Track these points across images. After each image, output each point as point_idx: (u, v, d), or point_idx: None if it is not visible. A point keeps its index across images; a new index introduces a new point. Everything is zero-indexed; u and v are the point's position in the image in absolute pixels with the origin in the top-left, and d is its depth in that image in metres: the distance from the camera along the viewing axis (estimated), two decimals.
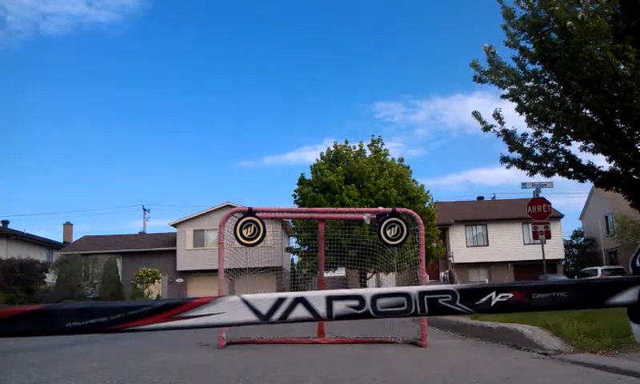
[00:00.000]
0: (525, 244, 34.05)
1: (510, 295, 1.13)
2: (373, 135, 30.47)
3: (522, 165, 11.15)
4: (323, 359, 4.62)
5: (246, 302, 1.05)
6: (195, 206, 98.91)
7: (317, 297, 1.14)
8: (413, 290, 1.17)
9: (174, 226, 33.28)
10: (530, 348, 4.53)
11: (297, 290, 1.12)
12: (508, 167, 11.37)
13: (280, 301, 1.11)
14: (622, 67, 8.39)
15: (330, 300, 1.13)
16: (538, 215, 14.40)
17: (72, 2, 58.70)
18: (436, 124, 66.04)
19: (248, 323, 1.05)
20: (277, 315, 1.11)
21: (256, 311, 1.07)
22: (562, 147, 10.85)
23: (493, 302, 1.12)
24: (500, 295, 1.13)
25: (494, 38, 11.47)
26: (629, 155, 9.94)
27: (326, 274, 6.92)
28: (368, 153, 27.85)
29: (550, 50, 9.48)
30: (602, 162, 18.25)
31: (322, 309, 1.12)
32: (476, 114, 11.42)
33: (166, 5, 62.50)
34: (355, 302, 1.14)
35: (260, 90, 65.23)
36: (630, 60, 8.15)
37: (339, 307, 1.12)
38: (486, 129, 11.28)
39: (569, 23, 8.45)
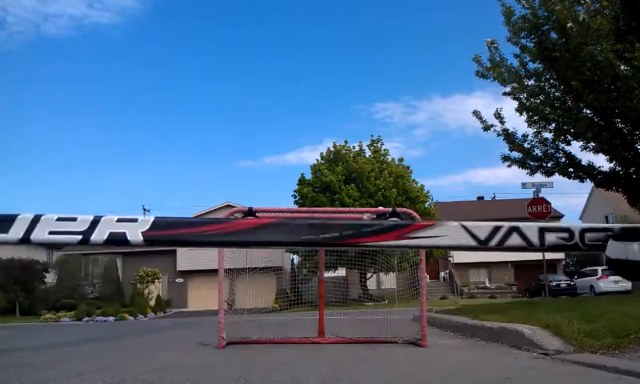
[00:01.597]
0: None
1: None
2: (372, 135, 30.52)
3: (522, 164, 11.15)
4: (323, 359, 4.61)
5: (465, 228, 1.07)
6: (195, 206, 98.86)
7: (530, 227, 1.19)
8: (616, 226, 1.24)
9: None
10: (530, 348, 4.53)
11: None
12: (509, 166, 11.37)
13: (496, 229, 1.16)
14: (622, 67, 8.39)
15: (542, 231, 1.19)
16: (538, 215, 14.40)
17: (73, 4, 58.75)
18: (436, 124, 66.09)
19: (467, 248, 1.06)
20: (494, 242, 1.15)
21: (475, 236, 1.10)
22: (562, 147, 10.86)
23: None
24: None
25: (495, 38, 11.47)
26: (629, 155, 9.94)
27: (325, 274, 6.92)
28: (368, 153, 27.86)
29: (550, 50, 9.48)
30: (602, 162, 18.25)
31: (534, 238, 1.16)
32: (476, 114, 11.42)
33: (166, 6, 62.55)
34: (565, 234, 1.21)
35: (260, 90, 65.29)
36: (636, 59, 8.14)
37: (550, 238, 1.18)
38: (487, 128, 11.27)
39: (569, 24, 8.45)
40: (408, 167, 28.10)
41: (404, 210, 6.78)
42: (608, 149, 9.93)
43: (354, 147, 27.90)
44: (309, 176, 27.41)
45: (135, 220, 0.90)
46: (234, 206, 20.60)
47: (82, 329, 14.69)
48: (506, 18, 10.15)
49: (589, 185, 15.18)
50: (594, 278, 26.08)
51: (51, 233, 0.90)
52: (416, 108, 65.44)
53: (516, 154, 11.23)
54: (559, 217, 35.02)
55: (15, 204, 74.91)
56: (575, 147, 10.83)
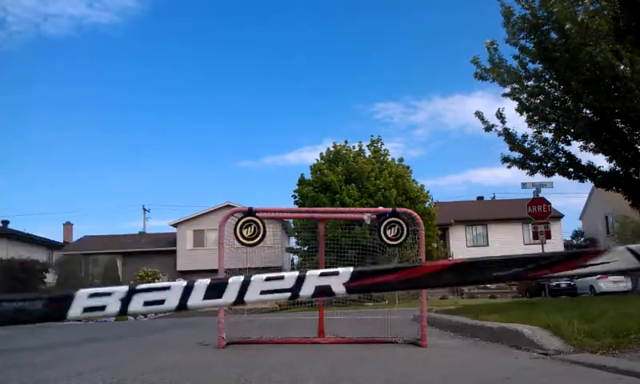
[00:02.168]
0: (525, 244, 34.02)
1: None
2: (372, 135, 30.49)
3: (522, 164, 11.15)
4: (323, 359, 4.62)
5: (631, 251, 1.05)
6: (195, 206, 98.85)
7: None
8: None
9: (174, 225, 33.29)
10: (530, 348, 4.53)
11: None
12: (509, 167, 11.38)
13: None
14: (621, 68, 8.39)
15: None
16: (538, 215, 14.41)
17: (73, 4, 58.69)
18: (436, 124, 66.02)
19: (634, 269, 1.05)
20: None
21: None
22: (562, 147, 10.86)
23: None
24: None
25: (494, 39, 11.51)
26: (629, 155, 9.94)
27: None
28: (367, 153, 27.86)
29: (550, 50, 9.49)
30: (602, 162, 18.24)
31: None
32: (478, 114, 11.42)
33: (166, 6, 62.48)
34: None
35: (260, 90, 65.22)
36: (632, 60, 8.15)
37: None
38: (488, 129, 11.28)
39: (568, 26, 8.45)
40: (408, 167, 28.10)
41: (404, 210, 6.78)
42: (608, 149, 9.93)
43: (353, 147, 27.90)
44: (309, 176, 27.41)
45: (337, 273, 0.96)
46: (233, 206, 20.57)
47: (81, 329, 14.69)
48: (505, 18, 10.15)
49: (589, 185, 15.17)
50: (594, 278, 26.08)
51: (262, 292, 0.98)
52: (416, 108, 65.46)
53: (516, 155, 11.24)
54: (559, 217, 35.01)
55: (15, 204, 74.96)
56: (575, 147, 10.84)
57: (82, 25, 57.51)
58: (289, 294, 0.97)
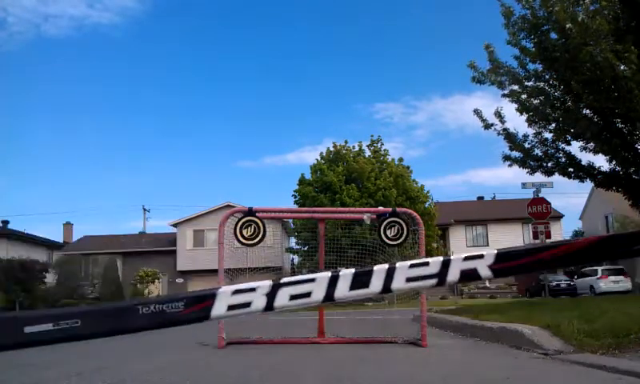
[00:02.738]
0: (525, 244, 34.06)
1: None
2: (372, 135, 30.46)
3: (522, 163, 11.16)
4: (323, 359, 4.62)
5: None
6: (195, 206, 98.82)
7: None
8: None
9: (174, 225, 33.29)
10: (530, 348, 4.53)
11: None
12: (510, 166, 11.39)
13: None
14: (622, 68, 8.39)
15: None
16: (538, 215, 14.39)
17: (73, 4, 58.69)
18: (436, 124, 66.01)
19: None
20: None
21: None
22: (562, 147, 10.86)
23: None
24: None
25: (494, 39, 11.53)
26: (629, 155, 9.94)
27: None
28: (367, 153, 27.86)
29: (550, 50, 9.49)
30: (602, 162, 18.25)
31: None
32: (477, 112, 11.42)
33: (166, 7, 62.48)
34: None
35: (260, 90, 65.22)
36: (632, 61, 8.15)
37: None
38: (487, 127, 11.29)
39: (568, 25, 8.45)
40: (408, 167, 28.10)
41: (404, 210, 6.78)
42: (608, 149, 9.93)
43: (353, 147, 27.90)
44: (309, 176, 27.41)
45: (482, 256, 0.94)
46: (233, 206, 20.57)
47: None
48: (505, 18, 10.15)
49: (589, 185, 15.18)
50: (594, 278, 26.09)
51: (408, 280, 0.94)
52: (416, 108, 65.46)
53: (516, 154, 11.25)
54: (559, 217, 35.02)
55: (15, 204, 74.96)
56: (575, 147, 10.84)
57: (83, 25, 57.53)
58: (435, 280, 0.94)
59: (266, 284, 0.93)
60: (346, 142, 28.04)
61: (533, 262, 0.95)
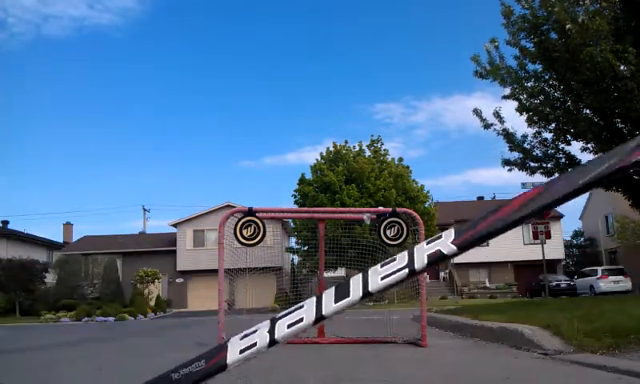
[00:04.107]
0: (525, 244, 34.02)
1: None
2: (372, 135, 30.43)
3: (522, 166, 11.16)
4: (323, 359, 4.62)
5: None
6: (195, 206, 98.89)
7: None
8: None
9: (174, 225, 33.29)
10: (530, 348, 4.53)
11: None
12: (510, 170, 11.38)
13: None
14: (622, 68, 8.39)
15: None
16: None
17: (73, 4, 58.68)
18: (436, 125, 66.04)
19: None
20: None
21: None
22: (562, 147, 10.86)
23: None
24: None
25: (495, 37, 11.56)
26: None
27: (325, 274, 6.92)
28: (367, 153, 27.86)
29: (550, 50, 9.49)
30: None
31: None
32: (476, 111, 11.42)
33: (166, 7, 62.49)
34: None
35: (260, 90, 65.23)
36: (630, 61, 8.15)
37: None
38: (487, 126, 11.29)
39: (568, 26, 8.45)
40: (408, 167, 28.10)
41: (404, 210, 6.78)
42: (608, 149, 9.91)
43: (354, 147, 27.90)
44: (309, 176, 27.42)
45: (441, 236, 1.01)
46: (233, 206, 20.57)
47: (81, 329, 14.69)
48: (505, 18, 10.15)
49: None
50: (594, 277, 26.08)
51: (382, 278, 1.02)
52: (416, 108, 65.47)
53: (516, 155, 11.24)
54: (559, 217, 35.03)
55: (15, 204, 74.97)
56: (575, 147, 10.86)
57: (83, 26, 57.54)
58: (406, 271, 1.00)
59: (265, 323, 1.07)
60: (346, 141, 28.05)
61: (491, 225, 0.98)
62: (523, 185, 15.67)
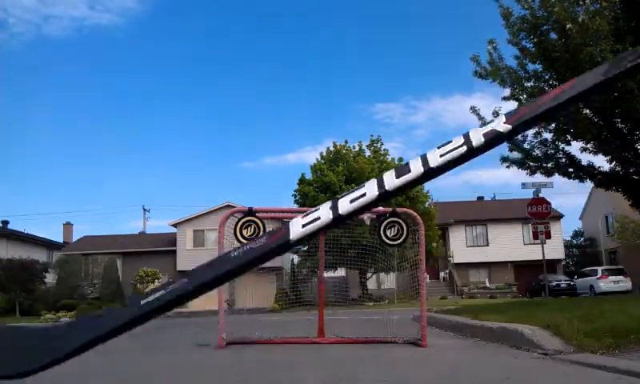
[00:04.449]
0: (525, 244, 34.02)
1: None
2: (372, 135, 30.44)
3: (521, 164, 11.15)
4: (323, 359, 4.62)
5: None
6: (195, 206, 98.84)
7: None
8: None
9: (174, 226, 33.28)
10: (530, 348, 4.53)
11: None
12: (508, 167, 11.38)
13: None
14: None
15: None
16: (538, 215, 14.39)
17: (73, 5, 58.69)
18: (436, 125, 66.02)
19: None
20: None
21: None
22: (562, 148, 10.86)
23: None
24: None
25: (495, 39, 11.57)
26: (629, 155, 9.94)
27: (325, 274, 6.92)
28: (367, 153, 27.86)
29: (550, 51, 9.48)
30: (602, 162, 18.25)
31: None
32: (473, 109, 11.40)
33: (166, 8, 62.49)
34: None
35: (260, 90, 65.24)
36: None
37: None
38: (485, 125, 11.27)
39: (568, 26, 8.45)
40: None
41: (404, 209, 6.78)
42: (608, 149, 9.93)
43: (354, 147, 27.90)
44: (309, 176, 27.42)
45: (492, 121, 1.04)
46: (234, 206, 20.56)
47: None
48: (504, 19, 10.15)
49: (589, 185, 15.18)
50: (594, 277, 26.08)
51: (442, 155, 1.02)
52: (416, 108, 65.49)
53: (515, 155, 11.23)
54: (559, 217, 35.01)
55: (15, 204, 75.01)
56: (575, 147, 10.84)
57: (83, 26, 57.53)
58: (464, 148, 1.02)
59: (326, 203, 1.01)
60: (346, 141, 28.06)
61: (537, 109, 1.04)
62: (523, 185, 15.67)
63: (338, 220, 0.98)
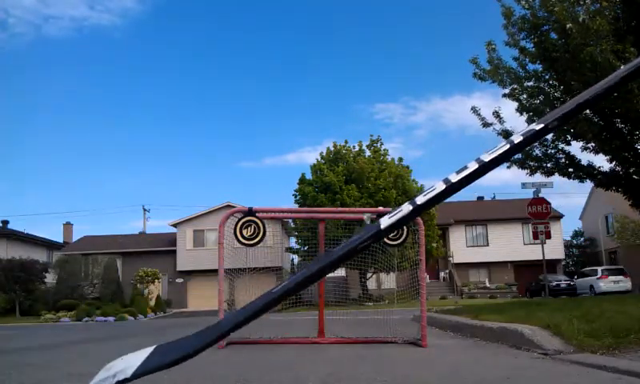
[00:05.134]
0: (525, 244, 34.03)
1: None
2: (372, 135, 30.46)
3: (521, 164, 11.15)
4: (323, 359, 4.62)
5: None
6: (195, 206, 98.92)
7: None
8: None
9: (174, 225, 33.29)
10: (530, 348, 4.53)
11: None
12: (508, 167, 11.39)
13: None
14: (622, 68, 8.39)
15: None
16: (538, 215, 14.40)
17: (73, 5, 58.74)
18: (435, 125, 66.13)
19: None
20: None
21: None
22: (562, 147, 10.86)
23: None
24: None
25: (494, 40, 11.60)
26: (629, 155, 9.94)
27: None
28: (367, 153, 27.86)
29: (550, 50, 9.49)
30: (601, 162, 18.25)
31: None
32: (474, 109, 11.41)
33: (166, 8, 62.56)
34: None
35: (260, 91, 65.30)
36: (631, 61, 8.16)
37: None
38: (485, 125, 11.29)
39: (569, 26, 8.45)
40: (408, 167, 28.10)
41: None
42: (608, 149, 9.93)
43: (354, 147, 27.90)
44: (309, 176, 27.42)
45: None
46: (234, 206, 20.57)
47: (81, 329, 14.70)
48: (505, 18, 10.15)
49: (589, 185, 15.20)
50: (594, 277, 26.09)
51: (492, 153, 1.27)
52: (416, 109, 65.55)
53: (516, 155, 11.23)
54: (559, 217, 35.01)
55: (15, 204, 74.98)
56: (575, 147, 10.87)
57: (83, 26, 57.57)
58: (508, 146, 1.23)
59: (406, 203, 1.20)
60: (346, 142, 28.06)
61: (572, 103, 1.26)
62: (523, 185, 15.68)
63: (415, 211, 1.17)
